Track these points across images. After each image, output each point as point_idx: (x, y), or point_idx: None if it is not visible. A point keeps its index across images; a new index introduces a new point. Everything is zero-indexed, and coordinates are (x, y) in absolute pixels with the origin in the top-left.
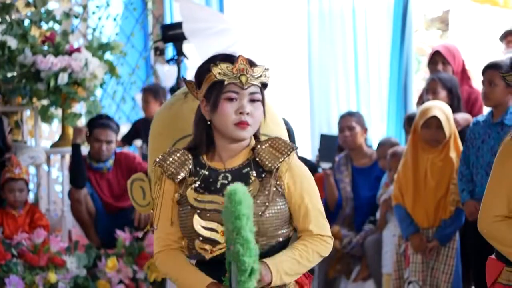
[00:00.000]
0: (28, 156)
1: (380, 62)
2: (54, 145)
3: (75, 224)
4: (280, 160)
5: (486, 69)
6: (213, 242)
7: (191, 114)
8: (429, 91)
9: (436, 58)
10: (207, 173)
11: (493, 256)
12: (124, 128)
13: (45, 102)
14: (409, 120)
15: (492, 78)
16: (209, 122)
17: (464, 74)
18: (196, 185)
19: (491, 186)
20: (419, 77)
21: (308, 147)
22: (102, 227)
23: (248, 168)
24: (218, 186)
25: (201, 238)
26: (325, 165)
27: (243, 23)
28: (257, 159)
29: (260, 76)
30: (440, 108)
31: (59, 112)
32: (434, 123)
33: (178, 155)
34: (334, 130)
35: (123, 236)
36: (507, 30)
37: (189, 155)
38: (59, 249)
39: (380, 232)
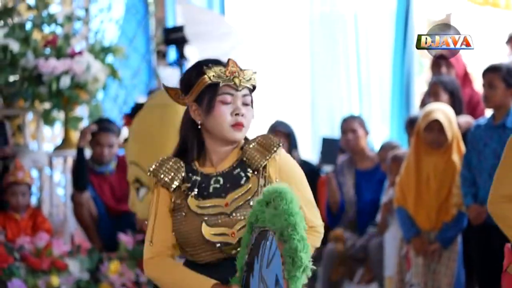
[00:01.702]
0: (30, 160)
1: (382, 65)
2: (57, 148)
3: (78, 228)
4: (267, 157)
5: (485, 72)
6: (226, 246)
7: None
8: (431, 94)
9: (440, 61)
10: (199, 178)
11: (509, 244)
12: (126, 132)
13: (47, 105)
14: (411, 123)
15: (492, 81)
16: (199, 126)
17: (466, 77)
18: (195, 192)
19: (501, 168)
20: (422, 80)
21: (309, 150)
22: (105, 230)
23: (239, 169)
24: (211, 191)
25: (218, 245)
26: (327, 168)
27: (244, 27)
28: (244, 158)
29: (250, 79)
30: (442, 111)
31: (61, 115)
32: (436, 126)
33: (171, 163)
34: (336, 133)
35: (125, 239)
36: None
37: (181, 163)
38: (62, 253)
39: (381, 235)
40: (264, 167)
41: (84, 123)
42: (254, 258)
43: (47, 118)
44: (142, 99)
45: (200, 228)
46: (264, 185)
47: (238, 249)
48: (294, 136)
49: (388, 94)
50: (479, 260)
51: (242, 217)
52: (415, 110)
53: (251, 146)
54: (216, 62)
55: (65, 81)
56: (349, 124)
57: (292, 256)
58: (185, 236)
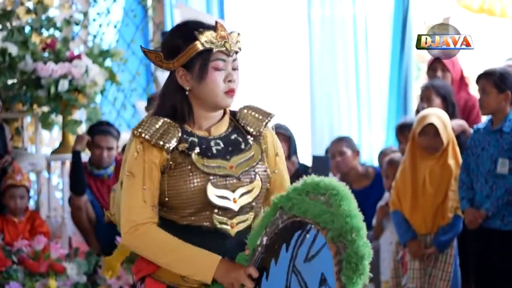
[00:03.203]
0: (28, 163)
1: (381, 69)
2: (55, 152)
3: (76, 231)
4: (263, 123)
5: (478, 78)
6: (228, 213)
7: None
8: (424, 99)
9: (436, 65)
10: (196, 140)
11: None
12: (125, 135)
13: (45, 109)
14: (401, 129)
15: (485, 87)
16: (187, 92)
17: (462, 81)
18: (198, 150)
19: None
20: (419, 84)
21: (309, 154)
22: (103, 233)
23: (235, 134)
24: (215, 152)
25: (216, 210)
26: None
27: (243, 30)
28: (242, 123)
29: (237, 41)
30: (437, 115)
31: (59, 119)
32: (431, 130)
33: (160, 123)
34: (335, 135)
35: None
36: None
37: (174, 123)
38: (59, 256)
39: (377, 239)
40: (261, 133)
41: (83, 127)
42: (281, 244)
43: (45, 122)
44: (141, 103)
45: (205, 187)
46: (264, 151)
47: (223, 220)
48: (294, 140)
49: (386, 98)
50: (475, 264)
51: (247, 183)
52: (413, 114)
53: (244, 111)
54: (205, 26)
55: (64, 85)
56: (336, 147)
57: (356, 262)
58: (184, 195)
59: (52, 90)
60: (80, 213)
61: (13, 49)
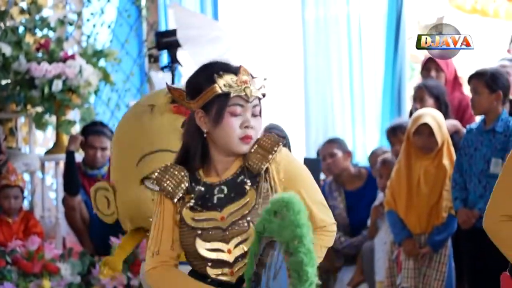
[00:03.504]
0: (22, 163)
1: (375, 69)
2: (48, 152)
3: (69, 231)
4: (268, 159)
5: (470, 78)
6: (223, 264)
7: (161, 128)
8: (417, 99)
9: (430, 65)
10: (202, 189)
11: (506, 272)
12: None
13: (39, 109)
14: (393, 131)
15: (476, 87)
16: (205, 135)
17: (456, 81)
18: (192, 203)
19: (501, 184)
20: (413, 84)
21: (303, 155)
22: (96, 234)
23: (242, 176)
24: (215, 202)
25: (209, 264)
26: None
27: (237, 30)
28: (247, 164)
29: (261, 87)
30: (431, 115)
31: (53, 119)
32: (426, 130)
33: (174, 172)
34: (329, 136)
35: (117, 243)
36: None
37: (185, 171)
38: (53, 256)
39: (372, 239)
40: (267, 170)
41: (76, 127)
42: (262, 269)
43: (39, 122)
44: (133, 103)
45: (194, 242)
46: (271, 189)
47: (217, 272)
48: (288, 141)
49: (380, 98)
50: (470, 264)
51: (238, 234)
52: (407, 114)
53: (252, 150)
54: (227, 69)
55: (57, 85)
56: (327, 149)
57: (297, 270)
58: (185, 248)
59: (46, 90)
60: (74, 214)
61: (6, 49)
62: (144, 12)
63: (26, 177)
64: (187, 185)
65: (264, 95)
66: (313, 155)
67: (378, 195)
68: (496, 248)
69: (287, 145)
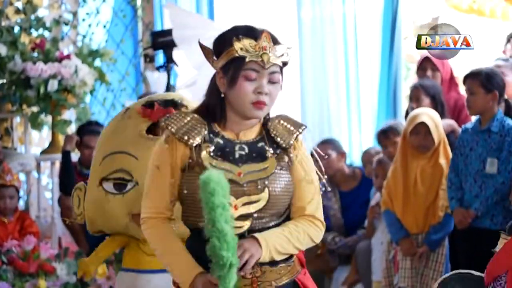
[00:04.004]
0: (18, 163)
1: (371, 69)
2: (44, 152)
3: (65, 231)
4: (294, 136)
5: (465, 78)
6: None
7: (125, 131)
8: (413, 99)
9: (425, 65)
10: (221, 141)
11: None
12: None
13: (35, 109)
14: (384, 133)
15: (471, 87)
16: (222, 95)
17: (452, 81)
18: (211, 149)
19: None
20: (409, 84)
21: None
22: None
23: (263, 143)
24: (237, 157)
25: None
26: None
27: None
28: (272, 134)
29: (282, 55)
30: (428, 114)
31: (49, 119)
32: (422, 129)
33: (188, 118)
34: (325, 136)
35: None
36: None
37: (202, 120)
38: (49, 256)
39: (369, 238)
40: (290, 145)
41: (72, 127)
42: None
43: (34, 122)
44: (129, 103)
45: None
46: (291, 163)
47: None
48: None
49: (375, 98)
50: (465, 264)
51: (250, 193)
52: (402, 114)
53: (276, 121)
54: (248, 33)
55: (53, 85)
56: (320, 150)
57: (213, 256)
58: (194, 196)
59: (42, 90)
60: (69, 213)
61: (2, 49)
62: (139, 12)
63: (22, 177)
64: (205, 132)
65: (285, 63)
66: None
67: (374, 195)
68: (491, 247)
69: None
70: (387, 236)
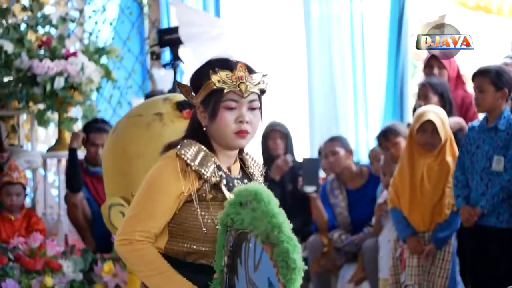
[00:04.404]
0: (24, 160)
1: (378, 67)
2: (51, 149)
3: (72, 228)
4: (262, 172)
5: (475, 75)
6: None
7: (174, 135)
8: (421, 97)
9: (432, 62)
10: (224, 175)
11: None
12: None
13: (41, 106)
14: (384, 135)
15: (481, 85)
16: (204, 129)
17: (458, 79)
18: (225, 182)
19: None
20: (415, 82)
21: (307, 152)
22: (99, 231)
23: (246, 180)
24: None
25: None
26: (310, 188)
27: (239, 28)
28: (250, 170)
29: (259, 83)
30: (435, 112)
31: (55, 116)
32: (429, 127)
33: (197, 148)
34: (332, 134)
35: None
36: None
37: (210, 153)
38: (56, 253)
39: (377, 236)
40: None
41: (78, 124)
42: (237, 261)
43: (41, 119)
44: (136, 100)
45: None
46: None
47: None
48: (291, 137)
49: (382, 95)
50: (471, 261)
51: None
52: (409, 111)
53: (247, 157)
54: (224, 65)
55: (59, 82)
56: (329, 147)
57: (285, 260)
58: (206, 227)
59: (48, 87)
60: (76, 211)
61: (8, 47)
62: (146, 9)
63: (28, 174)
64: (215, 166)
65: (263, 91)
66: (316, 153)
67: (381, 193)
68: (498, 245)
69: (290, 142)
70: (394, 234)
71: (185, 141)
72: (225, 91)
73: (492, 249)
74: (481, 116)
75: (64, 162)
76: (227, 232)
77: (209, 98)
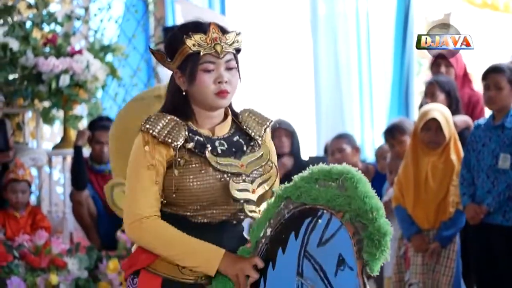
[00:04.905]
0: (29, 158)
1: (383, 65)
2: (56, 147)
3: (77, 226)
4: (264, 127)
5: (489, 73)
6: (250, 204)
7: None
8: (428, 95)
9: (439, 61)
10: (201, 139)
11: None
12: None
13: (46, 104)
14: (390, 132)
15: (499, 82)
16: (184, 93)
17: (465, 77)
18: (210, 148)
19: None
20: (421, 80)
21: (314, 150)
22: (104, 229)
23: (237, 137)
24: (219, 152)
25: (242, 201)
26: None
27: (245, 26)
28: (244, 126)
29: (234, 42)
30: (439, 110)
31: (60, 114)
32: (433, 125)
33: (167, 120)
34: (338, 130)
35: (124, 237)
36: None
37: (181, 121)
38: (61, 251)
39: None
40: (262, 137)
41: (84, 122)
42: (289, 233)
43: (46, 117)
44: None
45: (227, 183)
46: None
47: (252, 209)
48: (297, 136)
49: (388, 93)
50: (477, 259)
51: (259, 175)
52: (414, 109)
53: (246, 115)
54: (197, 28)
55: (65, 80)
56: (336, 144)
57: (379, 239)
58: (199, 192)
59: (53, 85)
60: (81, 208)
61: (14, 44)
62: (151, 7)
63: (34, 171)
64: (186, 133)
65: (238, 50)
66: (323, 150)
67: (387, 191)
68: (504, 243)
69: (296, 140)
70: (399, 232)
71: (153, 116)
72: (201, 54)
73: (497, 247)
74: (487, 114)
75: (69, 160)
76: (281, 205)
77: (186, 62)
